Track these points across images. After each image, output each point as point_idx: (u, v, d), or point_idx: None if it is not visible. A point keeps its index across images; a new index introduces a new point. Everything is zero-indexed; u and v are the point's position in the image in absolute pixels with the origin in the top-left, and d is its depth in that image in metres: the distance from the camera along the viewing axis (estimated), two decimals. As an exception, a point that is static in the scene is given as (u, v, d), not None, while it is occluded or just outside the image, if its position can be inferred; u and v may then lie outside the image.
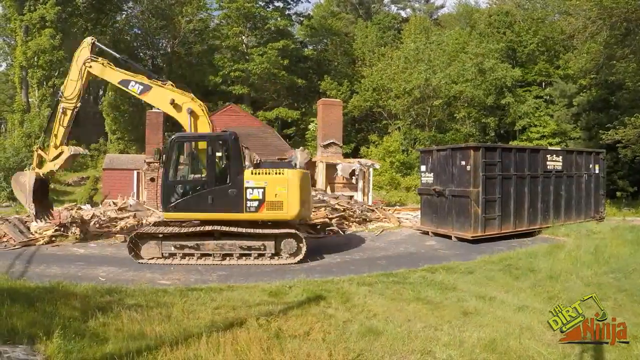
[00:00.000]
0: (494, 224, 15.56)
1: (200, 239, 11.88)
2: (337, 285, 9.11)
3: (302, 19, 53.78)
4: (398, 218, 20.10)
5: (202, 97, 46.58)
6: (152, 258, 11.81)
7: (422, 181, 17.67)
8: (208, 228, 11.80)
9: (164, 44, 52.70)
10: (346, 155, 31.26)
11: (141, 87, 13.25)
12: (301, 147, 27.56)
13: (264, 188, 11.61)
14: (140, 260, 11.72)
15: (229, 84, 45.17)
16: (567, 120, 39.10)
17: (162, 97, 13.10)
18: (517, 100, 39.76)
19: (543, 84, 42.01)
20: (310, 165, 23.45)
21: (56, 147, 14.29)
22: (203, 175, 12.28)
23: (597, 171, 19.26)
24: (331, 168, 23.56)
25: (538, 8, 45.71)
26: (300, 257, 11.85)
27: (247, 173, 11.80)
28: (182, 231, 11.85)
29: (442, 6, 72.96)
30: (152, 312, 6.93)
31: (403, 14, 62.33)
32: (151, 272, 10.74)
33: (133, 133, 42.59)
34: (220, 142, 12.27)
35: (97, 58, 13.82)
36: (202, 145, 12.27)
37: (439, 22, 56.86)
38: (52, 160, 14.38)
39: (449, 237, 15.72)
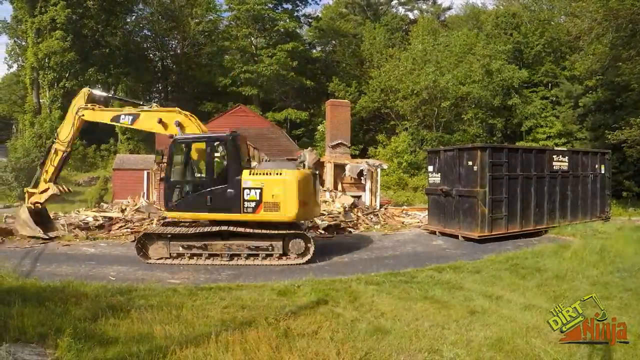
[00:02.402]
0: (501, 223, 15.63)
1: (208, 239, 11.93)
2: (345, 285, 9.15)
3: (310, 20, 53.88)
4: (402, 221, 20.16)
5: (212, 98, 47.02)
6: (161, 258, 11.89)
7: (430, 181, 17.73)
8: (215, 229, 11.84)
9: (174, 46, 53.00)
10: (354, 156, 31.34)
11: (130, 117, 13.73)
12: (310, 148, 27.66)
13: (261, 189, 11.53)
14: (149, 261, 11.82)
15: (239, 85, 45.29)
16: (573, 121, 39.07)
17: (150, 120, 13.40)
18: (524, 101, 39.77)
19: (549, 85, 41.95)
20: (319, 165, 23.55)
21: (46, 182, 15.18)
22: (202, 176, 12.39)
23: (602, 171, 19.34)
24: (339, 168, 23.63)
25: (544, 10, 45.57)
26: (309, 257, 11.84)
27: (245, 173, 11.77)
28: (189, 232, 11.89)
29: (449, 8, 72.78)
30: (162, 312, 6.95)
31: (410, 15, 62.27)
32: (161, 271, 10.83)
33: (143, 133, 42.79)
34: (219, 142, 12.34)
35: (88, 106, 14.37)
36: (201, 146, 12.32)
37: (446, 23, 56.67)
38: (41, 193, 15.33)
39: (456, 237, 15.81)
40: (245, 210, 11.59)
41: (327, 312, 7.29)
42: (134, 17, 49.76)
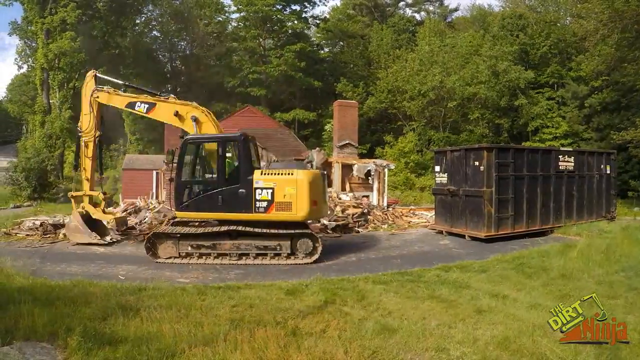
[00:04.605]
0: (507, 223, 15.70)
1: (217, 238, 11.99)
2: (353, 284, 9.18)
3: (318, 21, 53.96)
4: (410, 221, 20.24)
5: (220, 98, 47.18)
6: (170, 257, 11.96)
7: (436, 181, 17.77)
8: (224, 228, 11.90)
9: (183, 47, 53.22)
10: (362, 156, 31.38)
11: (147, 106, 13.77)
12: (317, 148, 27.76)
13: (272, 189, 11.56)
14: (158, 260, 11.89)
15: (247, 86, 45.43)
16: (579, 122, 39.14)
17: (166, 111, 13.51)
18: (530, 102, 39.87)
19: (555, 85, 41.94)
20: (327, 165, 23.64)
21: (87, 180, 14.85)
22: (213, 176, 12.36)
23: (608, 171, 19.42)
24: (347, 168, 23.71)
25: (550, 11, 45.60)
26: (316, 256, 11.89)
27: (256, 173, 11.82)
28: (198, 232, 11.97)
29: (456, 9, 72.80)
30: (171, 311, 6.94)
31: (417, 16, 62.16)
32: (170, 270, 10.87)
33: (152, 134, 43.09)
34: (230, 142, 12.42)
35: (103, 87, 14.30)
36: (213, 146, 12.35)
37: (452, 24, 56.60)
38: (86, 193, 14.94)
39: (463, 237, 15.87)
40: (257, 210, 11.63)
41: (334, 311, 7.31)
42: (143, 19, 50.10)
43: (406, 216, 21.28)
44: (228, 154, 12.46)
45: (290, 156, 26.58)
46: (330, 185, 23.01)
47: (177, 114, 13.21)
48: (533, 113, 39.50)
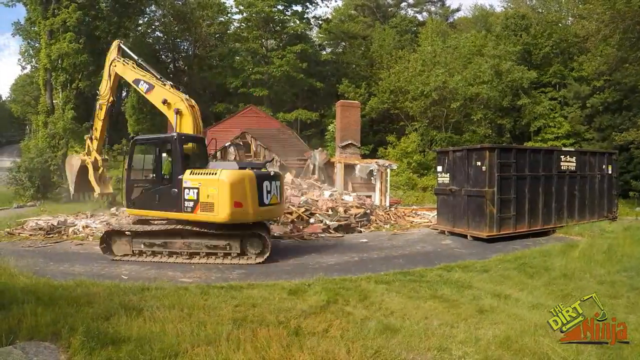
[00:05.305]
0: (509, 223, 15.73)
1: (169, 237, 12.09)
2: (355, 284, 9.20)
3: (320, 22, 53.98)
4: (412, 221, 20.25)
5: (223, 99, 47.16)
6: (125, 255, 12.15)
7: (439, 181, 17.80)
8: (163, 227, 12.10)
9: (185, 47, 53.26)
10: (364, 156, 31.43)
11: (147, 86, 14.18)
12: (320, 148, 27.80)
13: (198, 189, 11.45)
14: (113, 257, 12.10)
15: (249, 87, 45.47)
16: (581, 122, 39.18)
17: (158, 96, 13.81)
18: (532, 102, 39.84)
19: (557, 85, 41.93)
20: (329, 165, 23.69)
21: (96, 139, 16.49)
22: (153, 175, 12.62)
23: (610, 171, 19.45)
24: (349, 168, 23.75)
25: (552, 11, 45.61)
26: (267, 256, 11.81)
27: (186, 173, 11.76)
28: (147, 229, 12.20)
29: (458, 9, 73.03)
30: (174, 310, 6.95)
31: (419, 17, 62.37)
32: (172, 270, 10.88)
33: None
34: (166, 143, 12.49)
35: (121, 59, 14.66)
36: (153, 146, 12.68)
37: (455, 25, 56.73)
38: (95, 150, 17.00)
39: (465, 236, 15.91)
40: (185, 210, 11.63)
41: (337, 310, 7.33)
42: (146, 19, 50.11)
43: (408, 216, 21.32)
44: (164, 155, 12.54)
45: (293, 156, 26.68)
46: (333, 185, 23.11)
47: (165, 102, 13.46)
48: (535, 113, 39.50)
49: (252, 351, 5.46)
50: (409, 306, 7.70)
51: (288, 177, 21.80)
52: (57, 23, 37.74)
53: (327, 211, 17.88)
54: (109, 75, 15.46)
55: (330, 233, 16.40)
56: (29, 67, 48.47)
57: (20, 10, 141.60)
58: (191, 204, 11.52)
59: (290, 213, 16.99)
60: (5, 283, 8.28)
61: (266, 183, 11.87)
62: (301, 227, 16.52)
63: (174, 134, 12.64)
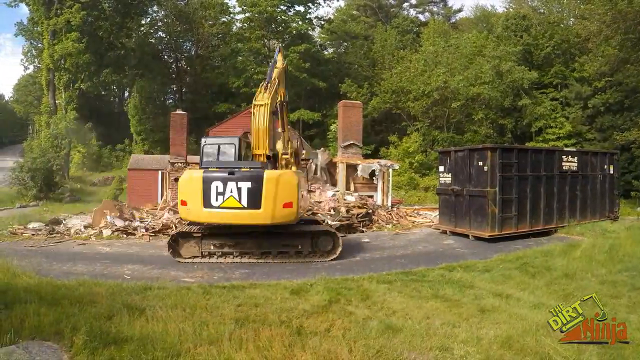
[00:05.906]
0: (511, 223, 15.71)
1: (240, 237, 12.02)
2: (357, 283, 9.20)
3: (322, 22, 53.99)
4: (414, 221, 20.27)
5: (225, 99, 47.32)
6: (193, 257, 11.93)
7: (440, 181, 17.80)
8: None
9: (188, 47, 53.37)
10: (366, 156, 31.45)
11: None
12: (322, 148, 27.81)
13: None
14: (180, 259, 11.84)
15: (252, 87, 45.46)
16: (582, 122, 39.09)
17: None
18: (534, 102, 39.76)
19: (559, 86, 41.82)
20: (331, 165, 23.71)
21: None
22: None
23: (611, 171, 19.43)
24: (351, 168, 23.76)
25: (554, 12, 45.59)
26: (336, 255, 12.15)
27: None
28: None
29: (459, 10, 72.82)
30: (176, 310, 6.95)
31: (421, 17, 62.40)
32: (175, 270, 10.86)
33: (157, 134, 43.21)
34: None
35: None
36: None
37: (456, 25, 56.76)
38: None
39: (467, 236, 15.90)
40: None
41: (339, 310, 7.34)
42: (148, 20, 50.24)
43: (410, 216, 21.33)
44: None
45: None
46: (334, 184, 23.13)
47: None
48: (537, 113, 39.40)
49: (255, 351, 5.46)
50: (410, 306, 7.69)
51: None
52: (60, 23, 37.81)
53: (330, 211, 17.90)
54: None
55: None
56: (31, 67, 48.57)
57: (20, 11, 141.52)
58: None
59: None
60: (8, 283, 8.29)
61: (216, 184, 11.07)
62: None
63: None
